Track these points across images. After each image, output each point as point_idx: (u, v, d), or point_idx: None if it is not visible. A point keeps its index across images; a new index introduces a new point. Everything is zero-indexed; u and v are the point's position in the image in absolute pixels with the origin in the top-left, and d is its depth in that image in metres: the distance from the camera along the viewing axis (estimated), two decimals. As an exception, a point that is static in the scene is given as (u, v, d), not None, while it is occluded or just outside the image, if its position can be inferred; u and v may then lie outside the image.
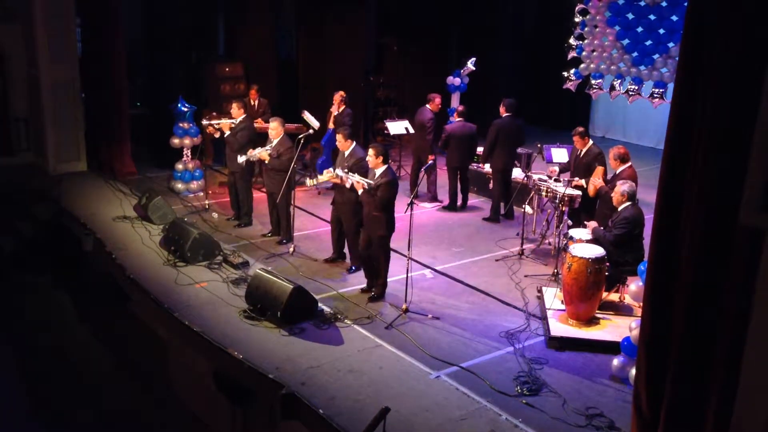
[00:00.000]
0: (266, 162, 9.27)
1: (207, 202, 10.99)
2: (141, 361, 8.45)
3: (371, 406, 5.77)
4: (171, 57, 13.14)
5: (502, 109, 10.69)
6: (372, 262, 7.99)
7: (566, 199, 8.87)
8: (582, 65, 11.27)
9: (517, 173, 11.21)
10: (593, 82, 11.30)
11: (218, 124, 10.03)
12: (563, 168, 9.73)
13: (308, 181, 9.08)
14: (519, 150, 11.27)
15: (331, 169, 8.57)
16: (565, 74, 11.53)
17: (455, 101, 14.08)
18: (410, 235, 7.61)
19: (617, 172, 8.42)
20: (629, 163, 8.42)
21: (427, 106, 11.52)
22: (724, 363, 4.06)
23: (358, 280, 8.38)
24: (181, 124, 11.27)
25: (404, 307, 7.63)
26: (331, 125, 11.67)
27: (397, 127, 12.71)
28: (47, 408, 7.78)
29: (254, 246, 9.41)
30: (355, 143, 8.52)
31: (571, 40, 11.29)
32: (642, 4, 10.22)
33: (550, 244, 9.56)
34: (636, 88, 10.53)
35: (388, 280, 8.04)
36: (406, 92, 16.03)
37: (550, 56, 14.55)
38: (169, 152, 11.54)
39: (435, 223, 10.70)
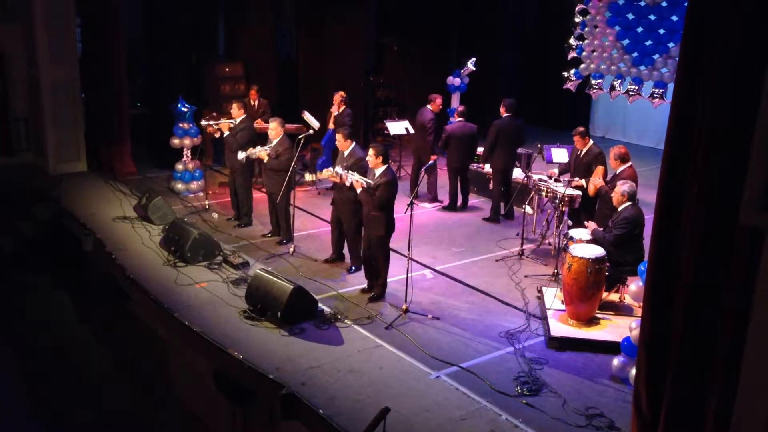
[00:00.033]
0: (265, 162, 9.28)
1: (207, 202, 10.99)
2: (141, 361, 8.46)
3: (371, 407, 5.77)
4: (171, 57, 13.14)
5: (502, 110, 10.69)
6: (371, 262, 7.99)
7: (566, 199, 8.87)
8: (582, 65, 11.27)
9: (517, 173, 11.21)
10: (593, 82, 11.29)
11: (217, 124, 10.03)
12: (563, 169, 9.73)
13: (307, 176, 9.07)
14: (519, 150, 11.27)
15: (330, 168, 8.57)
16: (565, 74, 11.52)
17: (455, 101, 14.09)
18: (410, 235, 7.61)
19: (617, 172, 8.42)
20: (629, 163, 8.42)
21: (428, 106, 11.52)
22: (724, 363, 4.06)
23: (358, 281, 8.38)
24: (181, 125, 11.27)
25: (404, 307, 7.63)
26: (331, 125, 11.67)
27: (397, 127, 12.71)
28: (47, 408, 7.78)
29: (254, 246, 9.41)
30: (354, 143, 8.52)
31: (572, 40, 11.29)
32: (642, 4, 10.22)
33: (550, 244, 9.55)
34: (636, 88, 10.53)
35: (388, 280, 8.04)
36: (406, 92, 16.03)
37: (550, 56, 14.55)
38: (169, 152, 11.55)
39: (435, 224, 10.70)
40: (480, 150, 11.30)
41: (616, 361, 6.46)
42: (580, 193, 8.95)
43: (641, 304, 5.73)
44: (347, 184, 7.92)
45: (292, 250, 9.19)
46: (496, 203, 10.84)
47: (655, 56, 10.11)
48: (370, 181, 7.69)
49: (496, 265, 9.09)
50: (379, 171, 7.70)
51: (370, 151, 7.75)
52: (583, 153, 9.27)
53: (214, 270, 8.59)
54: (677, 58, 5.04)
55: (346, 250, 8.85)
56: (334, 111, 11.71)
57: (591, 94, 11.61)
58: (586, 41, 11.12)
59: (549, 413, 5.90)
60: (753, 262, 3.83)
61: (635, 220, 7.45)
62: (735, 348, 3.96)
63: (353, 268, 8.68)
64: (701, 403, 4.29)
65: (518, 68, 16.76)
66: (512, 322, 7.52)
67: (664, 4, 9.96)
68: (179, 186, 11.42)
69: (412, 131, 12.51)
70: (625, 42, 10.50)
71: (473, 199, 11.67)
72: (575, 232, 8.01)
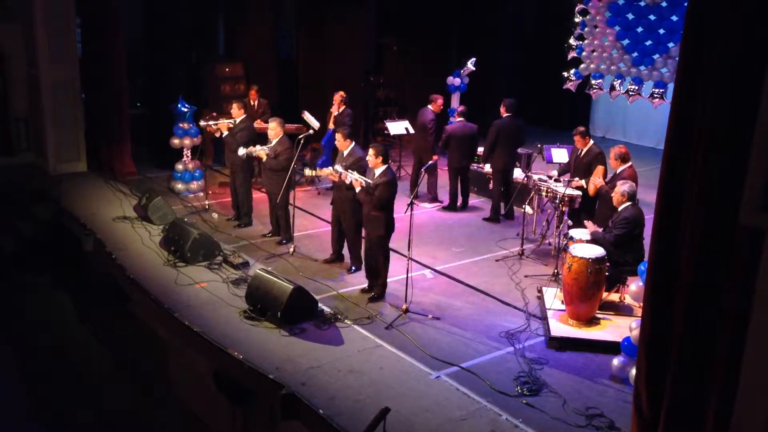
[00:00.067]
0: (263, 161, 9.28)
1: (207, 202, 10.99)
2: (141, 361, 8.46)
3: (371, 407, 5.77)
4: (171, 57, 13.14)
5: (502, 110, 10.69)
6: (371, 261, 8.00)
7: (566, 199, 8.87)
8: (582, 65, 11.26)
9: (518, 173, 11.21)
10: (593, 82, 11.29)
11: (216, 124, 10.03)
12: (563, 169, 9.73)
13: (307, 171, 9.05)
14: (519, 150, 11.27)
15: (330, 167, 8.57)
16: (565, 74, 11.52)
17: (455, 101, 14.08)
18: (410, 235, 7.61)
19: (617, 172, 8.42)
20: (630, 163, 8.42)
21: (429, 106, 11.51)
22: (724, 363, 4.06)
23: (358, 281, 8.38)
24: (181, 125, 11.27)
25: (404, 307, 7.63)
26: (331, 125, 11.67)
27: (398, 127, 12.71)
28: (47, 408, 7.78)
29: (254, 246, 9.41)
30: (354, 143, 8.52)
31: (571, 41, 11.29)
32: (642, 4, 10.22)
33: (550, 244, 9.56)
34: (636, 88, 10.52)
35: (388, 280, 8.04)
36: (406, 92, 16.03)
37: (550, 56, 14.55)
38: (169, 152, 11.55)
39: (435, 224, 10.70)
40: (480, 150, 11.30)
41: (616, 361, 6.46)
42: (580, 193, 8.95)
43: (641, 304, 5.73)
44: (347, 182, 7.92)
45: (292, 250, 9.19)
46: (496, 203, 10.84)
47: (655, 56, 10.10)
48: (369, 180, 7.69)
49: (496, 265, 9.09)
50: (378, 171, 7.70)
51: (370, 151, 7.75)
52: (583, 153, 9.27)
53: (214, 270, 8.59)
54: (677, 58, 5.04)
55: (346, 250, 8.84)
56: (334, 111, 11.71)
57: (591, 94, 11.60)
58: (586, 41, 11.12)
59: (549, 413, 5.90)
60: (753, 262, 3.83)
61: (635, 220, 7.45)
62: (735, 348, 3.96)
63: (353, 268, 8.68)
64: (701, 403, 4.29)
65: (518, 68, 16.76)
66: (512, 322, 7.52)
67: (664, 4, 9.96)
68: (179, 186, 11.43)
69: (412, 131, 12.50)
70: (625, 42, 10.50)
71: (473, 199, 11.67)
72: (575, 232, 8.01)
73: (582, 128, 9.42)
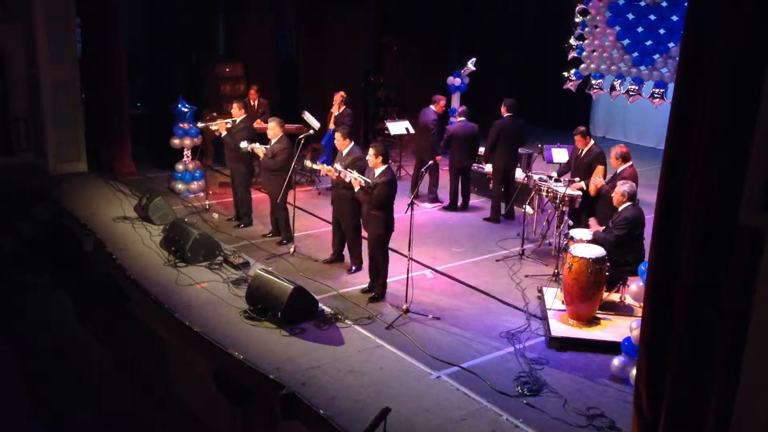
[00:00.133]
0: (261, 159, 9.28)
1: (207, 202, 10.99)
2: (141, 361, 8.45)
3: (372, 407, 5.77)
4: (171, 57, 13.13)
5: (503, 109, 10.69)
6: (371, 261, 7.99)
7: (566, 199, 8.87)
8: (582, 65, 11.27)
9: (519, 174, 11.20)
10: (593, 82, 11.30)
11: (213, 125, 10.03)
12: (562, 169, 9.73)
13: (307, 162, 9.02)
14: (520, 150, 11.26)
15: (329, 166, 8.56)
16: (566, 74, 11.53)
17: (455, 101, 14.09)
18: (411, 235, 7.61)
19: (618, 172, 8.42)
20: (630, 163, 8.42)
21: (431, 107, 11.48)
22: (724, 363, 4.06)
23: (359, 281, 8.38)
24: (181, 125, 11.27)
25: (405, 307, 7.63)
26: (331, 126, 11.66)
27: (398, 127, 12.71)
28: (47, 408, 7.78)
29: (255, 246, 9.41)
30: (353, 143, 8.52)
31: (572, 41, 11.29)
32: (642, 4, 10.22)
33: (550, 244, 9.56)
34: (636, 88, 10.53)
35: (389, 280, 8.04)
36: (406, 92, 16.03)
37: (550, 56, 14.56)
38: (170, 152, 11.55)
39: (435, 224, 10.70)
40: (482, 150, 11.31)
41: (616, 361, 6.46)
42: (580, 193, 8.95)
43: (642, 304, 5.74)
44: (346, 180, 7.92)
45: (292, 250, 9.19)
46: (497, 203, 10.84)
47: (656, 56, 10.11)
48: (368, 180, 7.69)
49: (497, 265, 9.09)
50: (378, 171, 7.70)
51: (370, 151, 7.75)
52: (583, 153, 9.27)
53: (215, 270, 8.59)
54: (677, 58, 5.05)
55: (346, 251, 8.84)
56: (335, 111, 11.71)
57: (591, 94, 11.61)
58: (586, 41, 11.12)
59: (550, 413, 5.90)
60: (753, 262, 3.83)
61: (635, 220, 7.45)
62: (735, 348, 3.96)
63: (353, 268, 8.68)
64: (701, 403, 4.29)
65: (518, 68, 16.76)
66: (513, 322, 7.52)
67: (664, 4, 9.97)
68: (179, 186, 11.43)
69: (412, 131, 12.51)
70: (626, 42, 10.50)
71: (474, 199, 11.67)
72: (576, 232, 8.00)
73: (582, 128, 9.42)
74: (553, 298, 7.75)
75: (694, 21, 4.40)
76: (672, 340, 4.53)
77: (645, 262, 5.92)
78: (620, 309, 7.59)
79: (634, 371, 5.68)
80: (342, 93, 11.74)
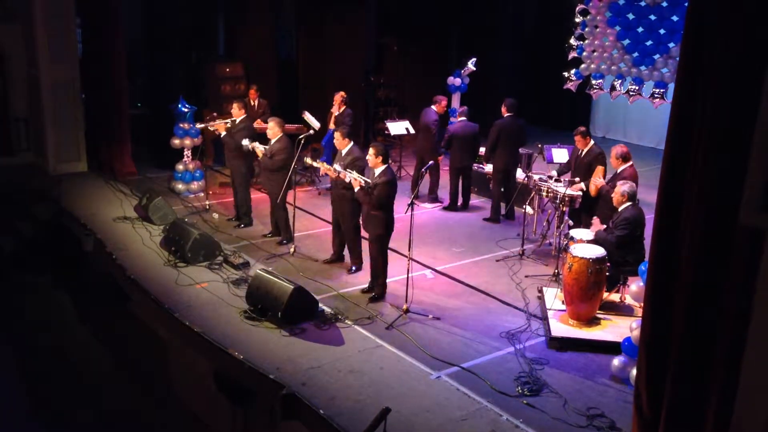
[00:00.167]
0: (259, 159, 9.28)
1: (207, 202, 10.99)
2: (141, 361, 8.45)
3: (372, 407, 5.77)
4: (171, 57, 13.14)
5: (503, 109, 10.68)
6: (371, 261, 7.99)
7: (567, 199, 8.87)
8: (582, 65, 11.27)
9: (519, 174, 11.20)
10: (594, 82, 11.30)
11: (212, 125, 10.03)
12: (562, 169, 9.73)
13: (308, 160, 9.02)
14: (520, 150, 11.26)
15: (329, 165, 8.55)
16: (566, 74, 11.53)
17: (456, 101, 14.09)
18: (411, 235, 7.61)
19: (618, 171, 8.42)
20: (630, 163, 8.42)
21: (433, 107, 11.47)
22: (724, 363, 4.06)
23: (359, 281, 8.38)
24: (181, 125, 11.27)
25: (405, 307, 7.63)
26: (331, 126, 11.66)
27: (398, 127, 12.71)
28: (47, 408, 7.77)
29: (255, 246, 9.41)
30: (352, 142, 8.52)
31: (572, 41, 11.29)
32: (642, 4, 10.23)
33: (550, 244, 9.55)
34: (637, 88, 10.53)
35: (389, 280, 8.04)
36: (406, 92, 16.03)
37: (550, 56, 14.56)
38: (170, 153, 11.55)
39: (435, 224, 10.70)
40: (482, 150, 11.30)
41: (616, 361, 6.46)
42: (580, 193, 8.95)
43: (642, 304, 5.74)
44: (346, 180, 7.92)
45: (292, 250, 9.19)
46: (497, 203, 10.83)
47: (656, 56, 10.11)
48: (368, 179, 7.69)
49: (497, 266, 9.09)
50: (378, 171, 7.70)
51: (370, 151, 7.75)
52: (584, 153, 9.27)
53: (215, 270, 8.59)
54: (677, 58, 5.05)
55: (346, 251, 8.84)
56: (335, 111, 11.71)
57: (591, 94, 11.61)
58: (586, 41, 11.13)
59: (550, 413, 5.90)
60: (753, 262, 3.83)
61: (636, 221, 7.45)
62: (735, 348, 3.96)
63: (353, 268, 8.68)
64: (701, 403, 4.29)
65: (518, 68, 16.76)
66: (513, 322, 7.52)
67: (664, 4, 9.97)
68: (180, 186, 11.43)
69: (412, 131, 12.51)
70: (626, 42, 10.51)
71: (474, 199, 11.67)
72: (576, 232, 8.00)
73: (582, 128, 9.42)
74: (553, 298, 7.74)
75: (694, 21, 4.40)
76: (672, 340, 4.53)
77: (645, 262, 5.92)
78: (620, 309, 7.59)
79: (634, 371, 5.68)
80: (342, 93, 11.73)
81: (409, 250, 7.73)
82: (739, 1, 3.92)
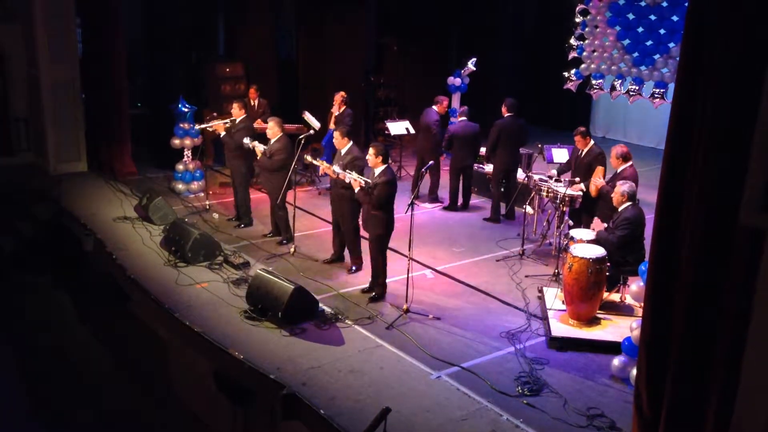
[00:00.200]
0: (258, 158, 9.28)
1: (207, 202, 10.99)
2: (141, 361, 8.45)
3: (372, 407, 5.77)
4: (171, 57, 13.14)
5: (503, 109, 10.68)
6: (371, 261, 7.99)
7: (567, 199, 8.87)
8: (583, 65, 11.27)
9: (520, 174, 11.20)
10: (594, 82, 11.30)
11: (211, 126, 10.03)
12: (562, 168, 9.73)
13: (308, 157, 9.01)
14: (521, 150, 11.26)
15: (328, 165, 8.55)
16: (566, 74, 11.52)
17: (456, 101, 14.08)
18: (411, 235, 7.61)
19: (618, 171, 8.42)
20: (630, 162, 8.42)
21: (434, 107, 11.46)
22: (725, 363, 4.06)
23: (359, 281, 8.38)
24: (181, 125, 11.27)
25: (405, 307, 7.63)
26: (331, 126, 11.66)
27: (398, 127, 12.71)
28: (47, 408, 7.77)
29: (255, 246, 9.41)
30: (351, 142, 8.52)
31: (572, 41, 11.29)
32: (643, 4, 10.23)
33: (550, 244, 9.56)
34: (637, 88, 10.53)
35: (389, 280, 8.04)
36: (406, 92, 16.03)
37: (550, 56, 14.56)
38: (170, 152, 11.55)
39: (435, 224, 10.70)
40: (483, 150, 11.30)
41: (616, 361, 6.46)
42: (580, 193, 8.95)
43: (642, 304, 5.73)
44: (346, 181, 7.92)
45: (292, 250, 9.19)
46: (497, 203, 10.83)
47: (656, 56, 10.11)
48: (368, 180, 7.69)
49: (497, 265, 9.09)
50: (378, 170, 7.70)
51: (370, 150, 7.75)
52: (583, 153, 9.27)
53: (215, 270, 8.59)
54: (678, 58, 5.05)
55: (346, 251, 8.84)
56: (335, 111, 11.71)
57: (591, 94, 11.61)
58: (586, 41, 11.13)
59: (550, 413, 5.90)
60: (753, 262, 3.83)
61: (636, 220, 7.45)
62: (735, 348, 3.96)
63: (353, 268, 8.68)
64: (702, 403, 4.29)
65: (518, 68, 16.77)
66: (513, 322, 7.52)
67: (664, 4, 9.98)
68: (180, 186, 11.43)
69: (412, 131, 12.50)
70: (626, 42, 10.51)
71: (474, 199, 11.66)
72: (576, 232, 8.00)
73: (582, 128, 9.42)
74: (554, 298, 7.74)
75: (695, 21, 4.40)
76: (672, 340, 4.53)
77: (645, 262, 5.92)
78: (620, 309, 7.59)
79: (634, 371, 5.68)
80: (342, 93, 11.73)
81: (409, 250, 7.73)
82: (739, 1, 3.92)
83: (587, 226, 8.42)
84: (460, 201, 11.32)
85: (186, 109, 11.24)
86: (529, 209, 9.75)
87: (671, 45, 9.87)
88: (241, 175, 9.93)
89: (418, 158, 11.67)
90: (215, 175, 12.53)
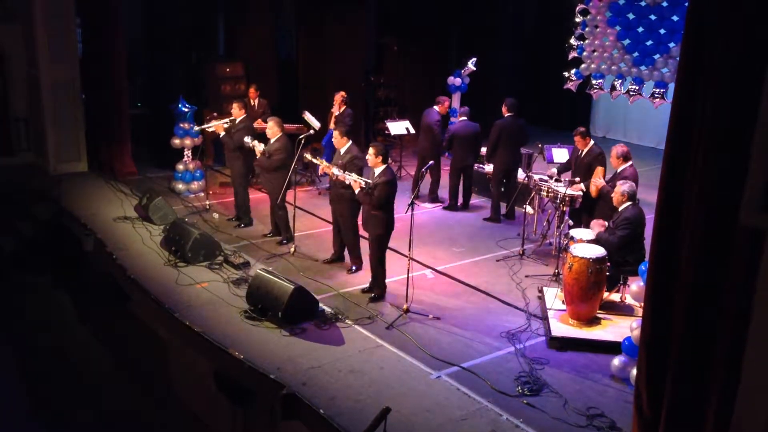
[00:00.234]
0: (257, 158, 9.29)
1: (208, 202, 10.99)
2: (141, 361, 8.45)
3: (372, 407, 5.77)
4: (171, 57, 13.14)
5: (504, 109, 10.68)
6: (371, 261, 7.99)
7: (567, 199, 8.87)
8: (583, 65, 11.27)
9: (520, 174, 11.20)
10: (594, 82, 11.30)
11: (210, 127, 10.03)
12: (562, 168, 9.73)
13: (307, 155, 9.01)
14: (521, 150, 11.25)
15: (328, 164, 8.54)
16: (566, 74, 11.52)
17: (456, 101, 14.08)
18: (411, 235, 7.61)
19: (618, 171, 8.42)
20: (630, 162, 8.42)
21: (435, 108, 11.46)
22: (725, 363, 4.06)
23: (359, 281, 8.38)
24: (181, 125, 11.27)
25: (405, 307, 7.63)
26: (332, 126, 11.65)
27: (398, 127, 12.71)
28: (47, 408, 7.78)
29: (255, 246, 9.41)
30: (350, 141, 8.52)
31: (572, 40, 11.29)
32: (643, 4, 10.23)
33: (550, 244, 9.56)
34: (637, 88, 10.53)
35: (389, 280, 8.04)
36: (406, 92, 16.03)
37: (551, 56, 14.56)
38: (170, 152, 11.55)
39: (436, 223, 10.70)
40: (484, 150, 11.30)
41: (616, 361, 6.46)
42: (580, 193, 8.95)
43: (642, 304, 5.73)
44: (346, 182, 7.92)
45: (292, 250, 9.19)
46: (497, 203, 10.83)
47: (656, 56, 10.11)
48: (368, 180, 7.69)
49: (497, 265, 9.09)
50: (378, 170, 7.70)
51: (370, 150, 7.75)
52: (584, 153, 9.27)
53: (215, 270, 8.59)
54: (678, 58, 5.05)
55: (346, 251, 8.84)
56: (335, 111, 11.71)
57: (591, 94, 11.61)
58: (586, 41, 11.13)
59: (550, 413, 5.90)
60: (753, 262, 3.83)
61: (636, 220, 7.45)
62: (735, 348, 3.96)
63: (353, 268, 8.68)
64: (702, 403, 4.29)
65: (518, 68, 16.76)
66: (513, 322, 7.52)
67: (664, 4, 9.98)
68: (180, 186, 11.43)
69: (412, 131, 12.50)
70: (626, 42, 10.51)
71: (474, 199, 11.66)
72: (576, 232, 8.00)
73: (582, 128, 9.42)
74: (554, 298, 7.74)
75: (695, 21, 4.40)
76: (672, 340, 4.53)
77: (645, 262, 5.92)
78: (620, 309, 7.59)
79: (634, 371, 5.68)
80: (342, 93, 11.73)
81: (409, 250, 7.73)
82: (739, 1, 3.92)
83: (587, 226, 8.41)
84: (460, 201, 11.32)
85: (186, 109, 11.24)
86: (529, 209, 9.75)
87: (671, 45, 9.87)
88: (240, 175, 9.93)
89: (418, 158, 11.66)
90: (215, 175, 12.53)
